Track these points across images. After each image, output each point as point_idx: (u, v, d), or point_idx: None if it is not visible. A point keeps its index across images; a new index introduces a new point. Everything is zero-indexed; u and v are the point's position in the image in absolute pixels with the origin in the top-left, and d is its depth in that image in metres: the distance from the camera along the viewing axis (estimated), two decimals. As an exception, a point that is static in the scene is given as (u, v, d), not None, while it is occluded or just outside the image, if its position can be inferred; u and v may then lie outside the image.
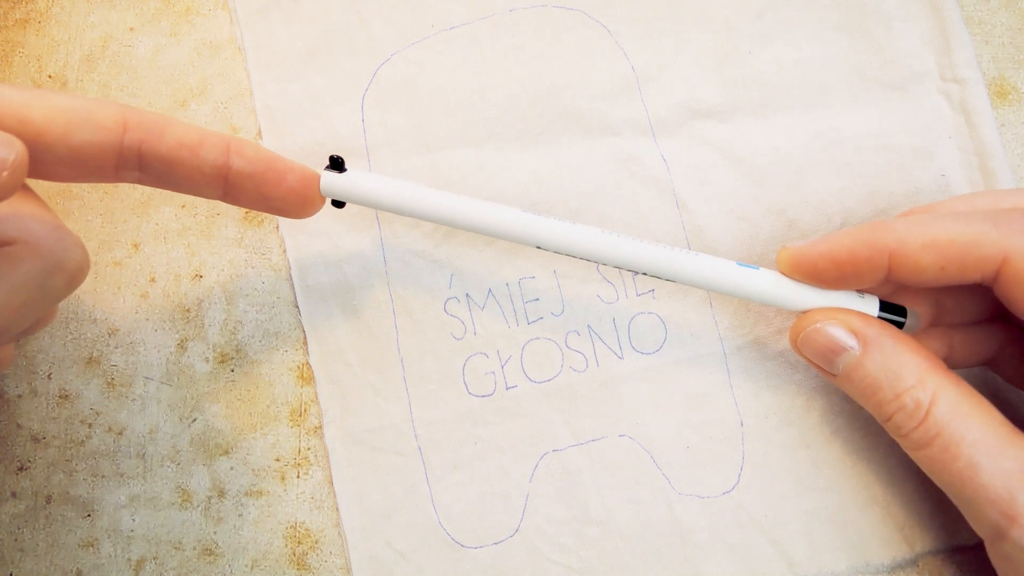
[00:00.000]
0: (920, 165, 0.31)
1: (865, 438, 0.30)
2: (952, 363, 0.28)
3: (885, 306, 0.26)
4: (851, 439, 0.30)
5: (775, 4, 0.32)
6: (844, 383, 0.26)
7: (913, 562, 0.30)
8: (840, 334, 0.25)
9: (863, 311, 0.26)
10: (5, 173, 0.20)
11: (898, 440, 0.26)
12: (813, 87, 0.32)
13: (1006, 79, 0.32)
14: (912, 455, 0.26)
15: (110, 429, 0.31)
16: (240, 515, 0.31)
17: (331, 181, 0.27)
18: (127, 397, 0.31)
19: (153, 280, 0.32)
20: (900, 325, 0.26)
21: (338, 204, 0.28)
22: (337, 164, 0.27)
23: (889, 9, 0.32)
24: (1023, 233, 0.23)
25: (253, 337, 0.31)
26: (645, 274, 0.27)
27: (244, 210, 0.32)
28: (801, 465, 0.30)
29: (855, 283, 0.26)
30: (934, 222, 0.24)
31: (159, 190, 0.31)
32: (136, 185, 0.31)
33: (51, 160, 0.23)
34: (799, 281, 0.26)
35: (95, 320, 0.31)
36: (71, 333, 0.31)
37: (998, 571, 0.25)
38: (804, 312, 0.26)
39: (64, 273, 0.23)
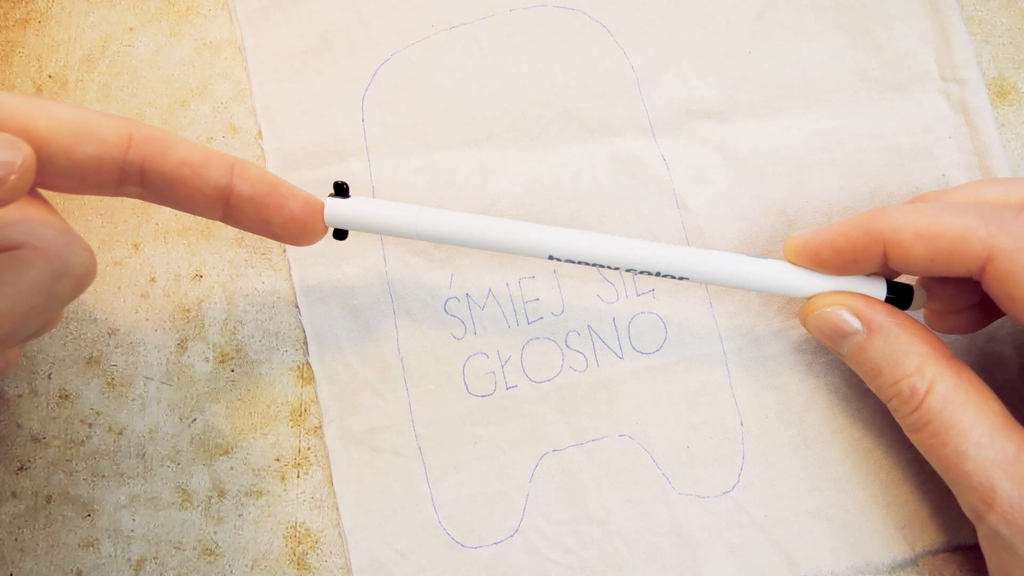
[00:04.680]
0: (920, 165, 0.31)
1: (865, 438, 0.30)
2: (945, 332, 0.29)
3: (893, 287, 0.27)
4: (851, 439, 0.30)
5: (775, 4, 0.32)
6: (849, 363, 0.27)
7: (913, 562, 0.30)
8: (847, 318, 0.26)
9: (871, 294, 0.26)
10: (13, 177, 0.20)
11: (897, 420, 0.27)
12: (813, 87, 0.32)
13: (1006, 79, 0.32)
14: (908, 436, 0.26)
15: (110, 429, 0.31)
16: (240, 515, 0.31)
17: (335, 208, 0.27)
18: (127, 397, 0.31)
19: (153, 280, 0.32)
20: (907, 303, 0.27)
21: (340, 236, 0.28)
22: (341, 190, 0.27)
23: (889, 9, 0.32)
24: (1011, 232, 0.23)
25: (253, 337, 0.31)
26: (658, 274, 0.27)
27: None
28: (801, 465, 0.30)
29: (855, 269, 0.26)
30: (929, 213, 0.25)
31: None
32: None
33: (52, 172, 0.23)
34: (806, 268, 0.27)
35: (95, 320, 0.32)
36: (71, 333, 0.31)
37: (982, 550, 0.26)
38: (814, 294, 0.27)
39: (71, 277, 0.23)
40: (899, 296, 0.27)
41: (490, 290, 0.31)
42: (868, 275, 0.27)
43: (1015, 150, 0.31)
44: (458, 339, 0.31)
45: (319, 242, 0.31)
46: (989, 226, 0.24)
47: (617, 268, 0.27)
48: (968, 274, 0.24)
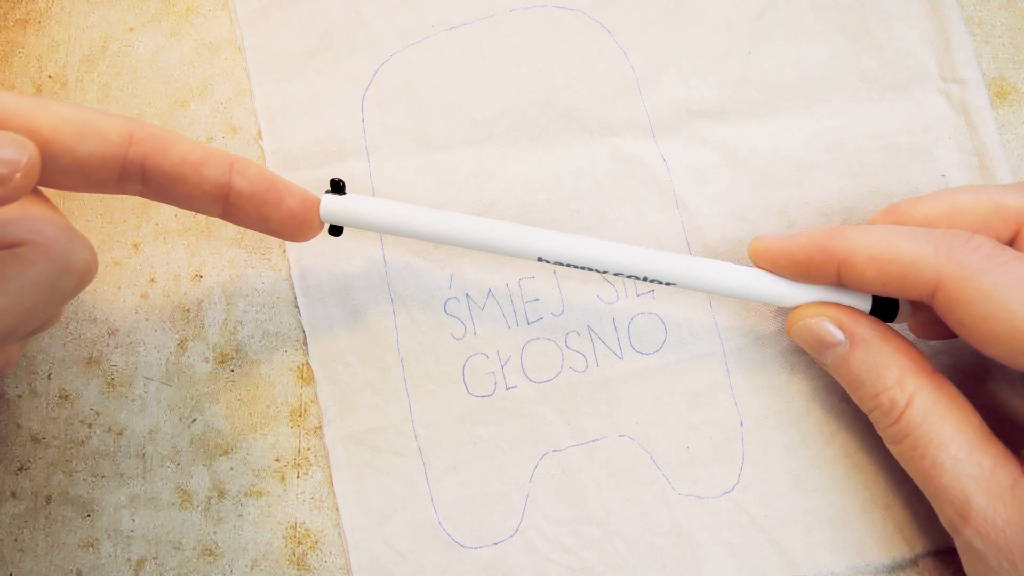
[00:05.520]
0: (920, 165, 0.31)
1: (865, 438, 0.30)
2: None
3: (878, 299, 0.27)
4: (851, 439, 0.30)
5: (775, 4, 0.32)
6: (832, 373, 0.28)
7: (913, 562, 0.30)
8: (829, 329, 0.27)
9: (856, 306, 0.27)
10: (18, 175, 0.20)
11: (877, 432, 0.27)
12: (813, 87, 0.32)
13: (1006, 79, 0.32)
14: (888, 447, 0.27)
15: (110, 429, 0.31)
16: (240, 515, 0.31)
17: (331, 205, 0.27)
18: (127, 397, 0.31)
19: (153, 280, 0.32)
20: (893, 316, 0.27)
21: (335, 232, 0.28)
22: (338, 187, 0.27)
23: (889, 9, 0.32)
24: (958, 261, 0.24)
25: (253, 337, 0.31)
26: (645, 279, 0.27)
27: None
28: (801, 465, 0.30)
29: (810, 281, 0.27)
30: (884, 237, 0.25)
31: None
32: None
33: (55, 170, 0.23)
34: (765, 271, 0.27)
35: (95, 320, 0.31)
36: (71, 333, 0.31)
37: (961, 561, 0.26)
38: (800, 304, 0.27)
39: (73, 274, 0.23)
40: (884, 308, 0.27)
41: (490, 290, 0.31)
42: None
43: (1015, 150, 0.31)
44: (458, 339, 0.31)
45: (318, 241, 0.31)
46: (939, 254, 0.24)
47: (605, 272, 0.27)
48: (920, 298, 0.25)
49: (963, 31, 0.31)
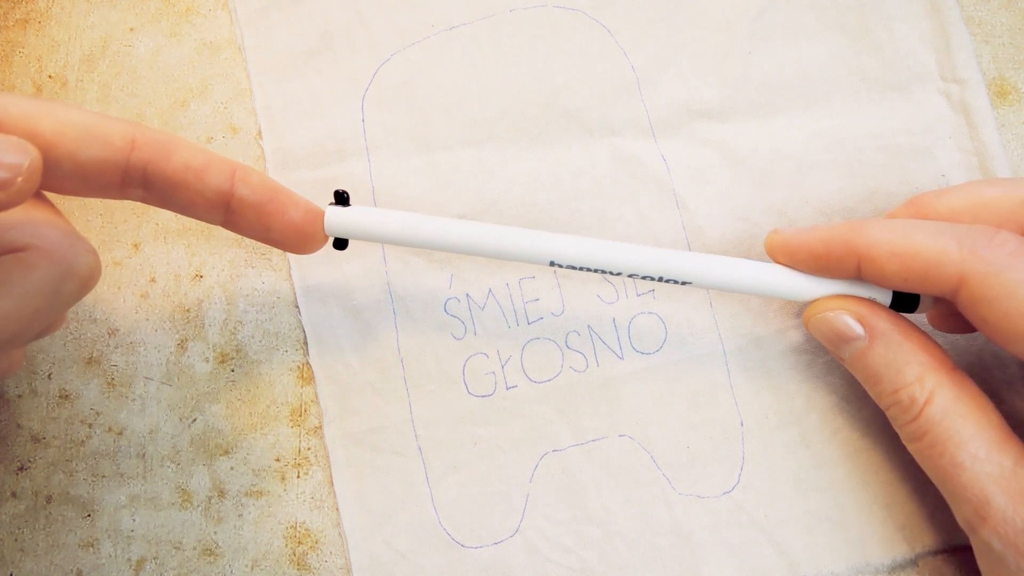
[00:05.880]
0: (920, 165, 0.31)
1: (865, 438, 0.30)
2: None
3: (899, 293, 0.26)
4: (851, 439, 0.30)
5: (775, 4, 0.32)
6: (850, 368, 0.27)
7: (913, 562, 0.30)
8: (849, 323, 0.26)
9: (876, 298, 0.26)
10: (20, 179, 0.20)
11: (895, 429, 0.27)
12: (813, 87, 0.32)
13: (1006, 79, 0.32)
14: (905, 444, 0.26)
15: (110, 429, 0.31)
16: (240, 515, 0.31)
17: (336, 218, 0.27)
18: (127, 397, 0.31)
19: (153, 280, 0.32)
20: (913, 308, 0.26)
21: (340, 245, 0.28)
22: (342, 199, 0.27)
23: (889, 9, 0.32)
24: (983, 257, 0.23)
25: (253, 337, 0.31)
26: (660, 279, 0.27)
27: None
28: (801, 465, 0.30)
29: (829, 275, 0.26)
30: (906, 231, 0.25)
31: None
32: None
33: (57, 175, 0.23)
34: (783, 264, 0.27)
35: (95, 320, 0.32)
36: (71, 333, 0.31)
37: (977, 561, 0.26)
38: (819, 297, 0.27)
39: (76, 279, 0.23)
40: (904, 300, 0.26)
41: (490, 290, 0.31)
42: None
43: (1015, 150, 0.31)
44: (458, 339, 0.31)
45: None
46: (963, 250, 0.24)
47: (619, 274, 0.27)
48: (942, 294, 0.24)
49: (963, 31, 0.31)
